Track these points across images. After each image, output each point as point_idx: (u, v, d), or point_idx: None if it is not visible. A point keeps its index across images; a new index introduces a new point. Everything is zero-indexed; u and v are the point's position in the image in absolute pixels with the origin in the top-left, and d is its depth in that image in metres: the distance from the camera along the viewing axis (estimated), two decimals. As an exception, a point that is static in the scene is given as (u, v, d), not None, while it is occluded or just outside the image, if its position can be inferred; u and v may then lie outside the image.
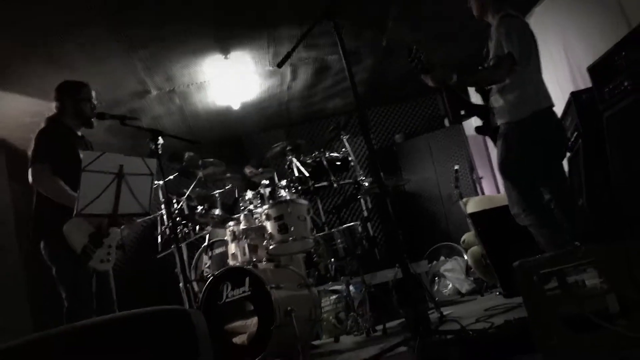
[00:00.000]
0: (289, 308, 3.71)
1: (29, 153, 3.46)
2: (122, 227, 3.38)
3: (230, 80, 5.75)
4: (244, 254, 4.13)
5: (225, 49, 5.10)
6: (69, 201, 3.19)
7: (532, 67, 3.23)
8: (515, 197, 3.21)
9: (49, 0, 3.75)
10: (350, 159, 6.47)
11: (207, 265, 5.64)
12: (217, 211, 6.02)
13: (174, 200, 6.02)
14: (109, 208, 3.07)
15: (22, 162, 5.76)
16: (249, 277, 3.80)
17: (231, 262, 4.34)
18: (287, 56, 3.00)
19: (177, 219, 6.12)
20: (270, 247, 4.05)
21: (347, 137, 6.47)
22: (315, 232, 4.60)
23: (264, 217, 4.17)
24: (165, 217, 5.97)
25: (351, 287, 5.00)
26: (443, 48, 6.41)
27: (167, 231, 5.94)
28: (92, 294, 3.39)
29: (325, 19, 2.83)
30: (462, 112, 6.87)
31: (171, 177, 6.15)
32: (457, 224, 6.89)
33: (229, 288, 3.89)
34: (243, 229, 4.18)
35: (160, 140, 3.85)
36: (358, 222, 4.74)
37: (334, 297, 5.14)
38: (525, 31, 3.24)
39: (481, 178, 7.00)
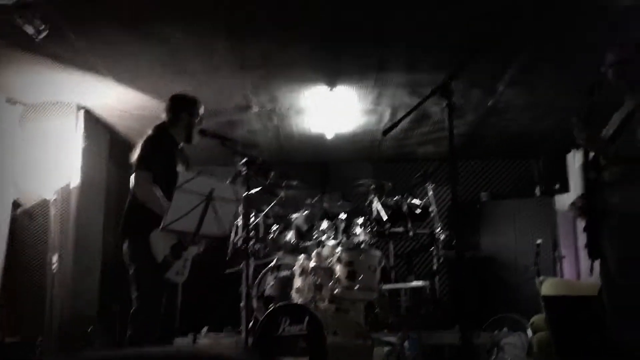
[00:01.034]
0: (341, 357, 3.70)
1: (134, 157, 3.62)
2: (200, 244, 3.50)
3: (330, 111, 5.83)
4: (309, 291, 4.16)
5: (331, 82, 5.18)
6: (161, 211, 3.33)
7: None
8: None
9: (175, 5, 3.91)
10: (431, 209, 6.41)
11: (270, 285, 5.73)
12: (290, 234, 6.12)
13: (252, 214, 6.16)
14: (192, 227, 3.18)
15: (122, 147, 6.16)
16: (309, 317, 3.82)
17: (294, 295, 4.38)
18: (395, 125, 3.00)
19: (252, 232, 6.26)
20: (335, 290, 4.06)
21: (432, 186, 6.41)
22: (382, 282, 4.57)
23: (335, 259, 4.19)
24: (240, 229, 6.11)
25: (406, 343, 4.91)
26: (549, 117, 6.25)
27: (239, 242, 6.07)
28: (161, 302, 3.51)
29: (438, 94, 2.78)
30: (557, 186, 6.71)
31: (254, 191, 6.29)
32: (528, 298, 6.60)
33: (287, 322, 3.92)
34: (313, 267, 4.21)
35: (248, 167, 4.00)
36: (427, 283, 4.64)
37: (387, 349, 5.07)
38: None
39: (563, 257, 6.72)
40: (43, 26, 3.71)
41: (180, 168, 3.75)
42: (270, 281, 5.79)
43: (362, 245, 5.63)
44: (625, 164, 2.89)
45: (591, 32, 4.29)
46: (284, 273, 5.76)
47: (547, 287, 5.72)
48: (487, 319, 6.79)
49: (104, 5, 3.83)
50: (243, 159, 3.96)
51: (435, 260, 6.41)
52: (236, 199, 3.38)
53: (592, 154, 3.06)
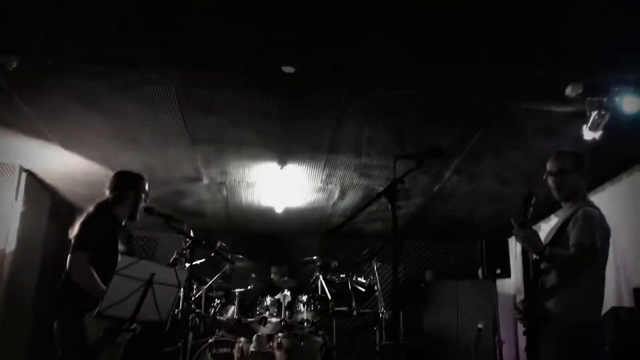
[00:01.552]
0: None
1: (72, 234, 3.52)
2: (135, 327, 3.38)
3: (280, 187, 5.85)
4: (247, 376, 4.05)
5: (282, 161, 5.23)
6: (97, 294, 3.21)
7: (601, 268, 3.04)
8: None
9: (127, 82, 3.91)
10: (375, 288, 6.42)
11: (209, 361, 5.56)
12: (232, 309, 5.99)
13: (194, 286, 6.01)
14: (129, 312, 3.07)
15: (64, 210, 6.01)
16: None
17: (232, 381, 4.25)
18: (340, 226, 3.04)
19: (193, 306, 6.09)
20: (274, 379, 3.97)
21: (378, 264, 6.44)
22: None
23: (275, 344, 4.11)
24: (181, 301, 5.95)
25: None
26: (490, 206, 6.44)
27: (179, 316, 5.88)
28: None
29: (385, 197, 2.83)
30: (498, 271, 6.83)
31: (198, 262, 6.17)
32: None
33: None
34: (252, 352, 4.12)
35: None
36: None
37: None
38: (607, 232, 3.09)
39: (503, 342, 6.77)
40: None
41: (121, 247, 3.66)
42: (209, 358, 5.62)
43: (305, 326, 5.58)
44: (560, 268, 2.99)
45: (532, 137, 4.55)
46: (223, 350, 5.62)
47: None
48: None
49: (53, 77, 3.79)
50: (187, 239, 3.90)
51: (377, 340, 6.39)
52: (178, 285, 3.29)
53: (533, 257, 3.16)
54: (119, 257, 3.54)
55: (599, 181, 5.41)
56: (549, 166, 3.24)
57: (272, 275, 7.17)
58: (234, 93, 3.98)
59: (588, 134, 4.04)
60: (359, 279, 6.51)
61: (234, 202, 6.45)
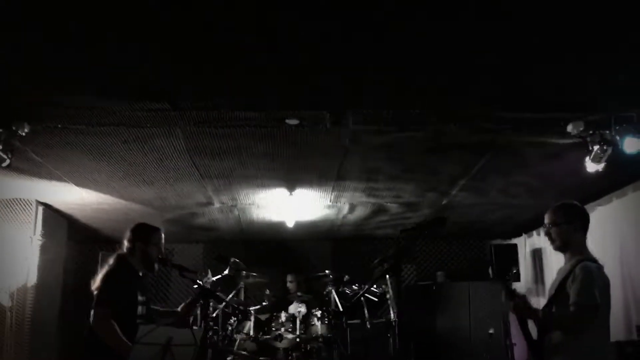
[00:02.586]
0: None
1: (94, 287, 3.67)
2: None
3: (290, 207, 5.96)
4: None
5: (291, 188, 5.33)
6: (120, 348, 3.38)
7: (604, 320, 3.11)
8: None
9: (141, 145, 4.02)
10: (387, 296, 6.55)
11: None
12: (248, 326, 6.16)
13: (211, 304, 6.17)
14: (150, 376, 3.23)
15: (81, 232, 6.20)
16: None
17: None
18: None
19: (211, 323, 6.27)
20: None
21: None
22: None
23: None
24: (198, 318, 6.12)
25: None
26: (499, 212, 6.51)
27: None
28: None
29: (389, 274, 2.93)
30: (508, 277, 6.93)
31: (214, 278, 6.34)
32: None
33: None
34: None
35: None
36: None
37: None
38: (606, 285, 3.15)
39: (514, 345, 6.91)
40: (7, 159, 3.75)
41: (141, 298, 3.81)
42: (227, 377, 5.82)
43: (319, 341, 5.74)
44: (561, 329, 3.08)
45: (537, 162, 4.62)
46: (241, 368, 5.81)
47: (499, 382, 5.89)
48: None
49: (64, 136, 3.91)
50: (202, 291, 4.04)
51: (391, 347, 6.56)
52: (195, 343, 3.43)
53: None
54: (138, 309, 3.72)
55: (606, 191, 5.46)
56: (545, 219, 3.34)
57: (288, 284, 7.32)
58: (240, 142, 4.08)
59: (591, 167, 4.10)
60: (371, 288, 6.65)
61: (245, 219, 6.59)
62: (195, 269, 4.71)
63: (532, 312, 3.16)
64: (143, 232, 3.89)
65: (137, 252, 3.83)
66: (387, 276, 6.49)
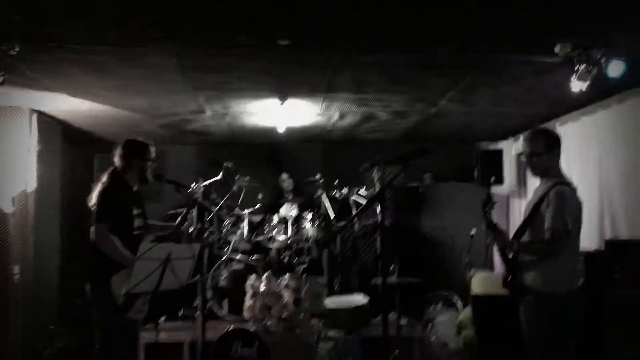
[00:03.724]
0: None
1: (91, 204, 3.86)
2: None
3: (281, 115, 6.04)
4: (259, 311, 4.57)
5: (282, 98, 5.38)
6: (122, 260, 3.64)
7: (574, 242, 3.36)
8: None
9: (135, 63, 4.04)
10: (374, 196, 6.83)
11: (223, 278, 6.14)
12: (242, 227, 6.45)
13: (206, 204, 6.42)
14: (152, 286, 3.49)
15: (75, 136, 6.32)
16: (258, 342, 4.26)
17: (246, 314, 4.77)
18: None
19: (207, 225, 6.56)
20: (283, 314, 4.49)
21: (379, 175, 6.80)
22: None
23: (283, 285, 4.58)
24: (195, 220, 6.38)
25: (347, 337, 5.38)
26: (485, 121, 6.63)
27: (194, 235, 6.35)
28: (122, 338, 3.86)
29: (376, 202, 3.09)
30: (492, 179, 7.18)
31: (207, 182, 6.56)
32: (461, 279, 7.20)
33: (239, 345, 4.35)
34: (263, 291, 4.60)
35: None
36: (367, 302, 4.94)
37: (331, 344, 5.55)
38: (579, 207, 3.37)
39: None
40: (1, 77, 3.79)
41: (135, 211, 4.02)
42: (223, 273, 6.19)
43: (310, 242, 6.07)
44: (537, 256, 3.34)
45: (523, 78, 4.68)
46: (237, 267, 6.17)
47: (477, 281, 6.23)
48: (425, 294, 7.43)
49: (57, 53, 3.91)
50: (194, 204, 4.23)
51: (377, 246, 6.93)
52: (192, 256, 3.68)
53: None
54: (135, 222, 3.95)
55: (591, 101, 5.54)
56: (522, 147, 3.49)
57: (282, 183, 7.53)
58: (232, 60, 4.12)
59: (576, 85, 4.19)
60: (360, 192, 6.91)
61: (237, 125, 6.68)
62: (186, 183, 4.85)
63: (508, 244, 3.42)
64: (138, 149, 4.03)
65: (134, 168, 3.99)
66: (375, 177, 6.80)
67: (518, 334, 3.47)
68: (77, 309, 6.01)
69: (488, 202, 3.45)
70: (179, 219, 4.37)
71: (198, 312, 5.14)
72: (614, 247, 4.20)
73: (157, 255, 3.42)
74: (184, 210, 4.39)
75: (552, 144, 3.45)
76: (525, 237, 3.45)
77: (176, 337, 5.64)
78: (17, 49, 3.66)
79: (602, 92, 5.17)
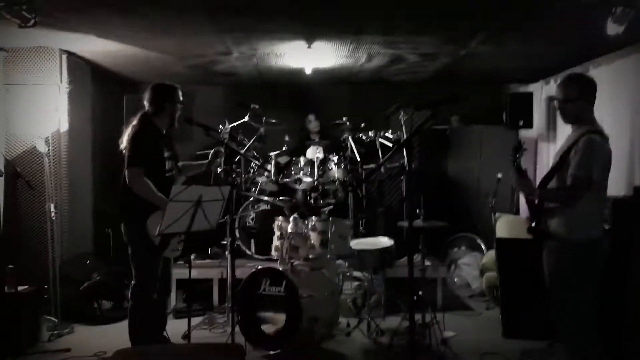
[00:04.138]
0: (315, 315, 4.33)
1: (122, 147, 3.95)
2: None
3: (308, 57, 6.00)
4: (286, 251, 4.69)
5: (309, 41, 5.34)
6: (156, 201, 3.76)
7: (600, 191, 3.35)
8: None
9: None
10: (402, 141, 6.82)
11: (251, 217, 6.29)
12: (270, 168, 6.53)
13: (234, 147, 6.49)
14: (184, 227, 3.61)
15: (103, 73, 6.38)
16: (286, 281, 4.39)
17: (274, 254, 4.90)
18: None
19: (234, 166, 6.67)
20: (310, 255, 4.60)
21: (406, 117, 6.75)
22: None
23: (310, 226, 4.68)
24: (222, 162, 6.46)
25: (373, 277, 5.49)
26: (516, 60, 6.49)
27: (222, 175, 6.45)
28: (157, 276, 4.03)
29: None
30: (521, 123, 7.10)
31: (235, 124, 6.62)
32: (486, 223, 7.26)
33: (268, 283, 4.50)
34: (290, 232, 4.70)
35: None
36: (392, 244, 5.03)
37: (356, 284, 5.72)
38: (608, 157, 3.34)
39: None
40: (32, 19, 3.82)
41: (167, 153, 4.10)
42: (251, 214, 6.34)
43: (336, 184, 6.14)
44: (558, 203, 3.35)
45: (557, 19, 4.55)
46: (264, 207, 6.30)
47: (502, 224, 6.28)
48: (450, 237, 7.52)
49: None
50: (224, 148, 4.30)
51: (403, 188, 6.98)
52: (222, 198, 3.77)
53: None
54: (166, 164, 4.03)
55: (625, 43, 5.38)
56: (555, 92, 3.43)
57: (308, 124, 7.55)
58: (260, 2, 4.07)
59: (612, 28, 4.08)
60: (386, 134, 6.90)
61: (264, 66, 6.65)
62: (214, 125, 4.91)
63: (533, 191, 3.43)
64: (167, 92, 4.07)
65: (164, 112, 4.05)
66: (402, 120, 6.75)
67: (540, 278, 3.54)
68: (110, 246, 6.27)
69: (519, 148, 3.43)
70: (209, 158, 4.43)
71: (227, 250, 5.33)
72: (641, 194, 4.17)
73: (188, 197, 3.51)
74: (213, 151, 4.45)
75: (587, 90, 3.39)
76: (552, 184, 3.44)
77: (206, 274, 5.87)
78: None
79: (638, 35, 5.02)
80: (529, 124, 7.09)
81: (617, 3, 3.90)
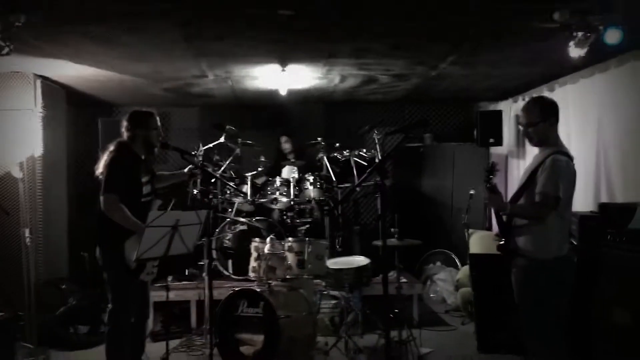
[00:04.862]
0: (293, 335, 4.37)
1: (99, 173, 3.97)
2: None
3: (283, 79, 6.08)
4: (264, 272, 4.73)
5: (283, 64, 5.43)
6: (132, 227, 3.78)
7: (565, 210, 3.46)
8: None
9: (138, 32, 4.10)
10: (377, 160, 6.93)
11: (228, 238, 6.31)
12: (245, 189, 6.57)
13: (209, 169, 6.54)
14: (162, 252, 3.64)
15: (78, 97, 6.39)
16: (264, 302, 4.44)
17: (251, 275, 4.94)
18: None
19: (210, 187, 6.70)
20: (287, 275, 4.66)
21: (380, 137, 6.86)
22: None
23: (286, 247, 4.74)
24: (199, 183, 6.50)
25: (350, 296, 5.56)
26: (485, 81, 6.66)
27: (199, 196, 6.48)
28: (133, 300, 4.04)
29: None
30: (491, 140, 7.28)
31: (211, 145, 6.67)
32: (460, 238, 7.38)
33: (245, 305, 4.53)
34: (267, 253, 4.75)
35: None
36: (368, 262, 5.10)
37: (333, 302, 5.77)
38: (572, 176, 3.48)
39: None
40: (6, 47, 3.85)
41: (144, 178, 4.13)
42: (228, 234, 6.36)
43: (312, 203, 6.21)
44: (526, 218, 3.48)
45: (522, 43, 4.72)
46: (241, 227, 6.33)
47: (475, 240, 6.42)
48: (424, 253, 7.63)
49: (61, 25, 3.97)
50: (199, 171, 4.36)
51: (378, 206, 7.06)
52: (199, 222, 3.81)
53: None
54: (143, 189, 4.06)
55: (590, 63, 5.56)
56: (520, 117, 3.57)
57: (283, 145, 7.62)
58: (235, 30, 4.15)
59: (574, 51, 4.24)
60: (361, 152, 7.00)
61: (239, 88, 6.73)
62: (189, 149, 4.99)
63: (504, 206, 3.55)
64: (141, 119, 4.10)
65: (138, 139, 4.08)
66: (376, 139, 6.86)
67: (512, 293, 3.64)
68: (86, 270, 6.24)
69: (492, 170, 3.55)
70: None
71: (205, 272, 5.34)
72: (606, 210, 4.32)
73: (165, 222, 3.55)
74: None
75: (548, 112, 3.52)
76: (521, 202, 3.56)
77: (183, 296, 5.87)
78: (22, 20, 3.70)
79: (601, 54, 5.21)
80: (498, 142, 7.27)
81: (578, 28, 4.05)
